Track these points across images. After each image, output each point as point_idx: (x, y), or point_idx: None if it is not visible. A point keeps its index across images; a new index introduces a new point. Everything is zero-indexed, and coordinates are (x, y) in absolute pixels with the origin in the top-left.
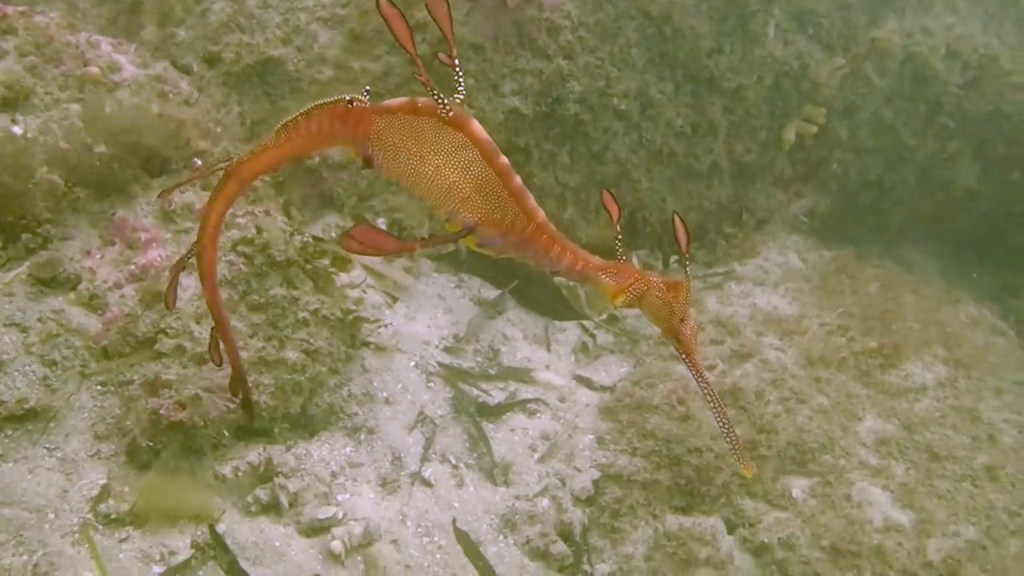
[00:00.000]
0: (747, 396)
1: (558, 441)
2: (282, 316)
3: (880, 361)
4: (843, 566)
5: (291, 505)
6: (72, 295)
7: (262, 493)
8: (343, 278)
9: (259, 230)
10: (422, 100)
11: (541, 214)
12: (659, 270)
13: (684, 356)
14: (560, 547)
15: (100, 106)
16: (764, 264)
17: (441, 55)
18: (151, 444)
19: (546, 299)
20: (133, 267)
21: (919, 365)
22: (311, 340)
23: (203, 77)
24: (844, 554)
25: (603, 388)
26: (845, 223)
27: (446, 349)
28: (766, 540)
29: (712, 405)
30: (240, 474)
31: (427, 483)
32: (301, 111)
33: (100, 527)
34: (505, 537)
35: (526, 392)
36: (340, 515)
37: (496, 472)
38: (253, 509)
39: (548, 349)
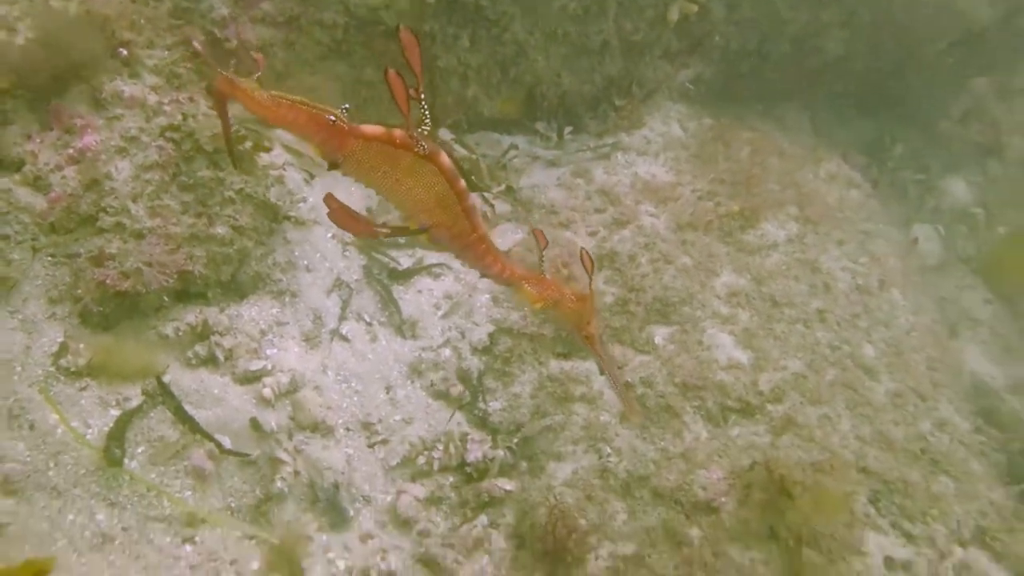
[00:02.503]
0: (622, 259)
1: (459, 300)
2: (210, 195)
3: (741, 223)
4: (690, 397)
5: (226, 359)
6: (18, 176)
7: (200, 349)
8: (264, 158)
9: (185, 116)
10: (398, 134)
11: (483, 228)
12: (553, 140)
13: (589, 348)
14: (459, 389)
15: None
16: (649, 135)
17: (411, 89)
18: (100, 309)
19: None
20: (72, 151)
21: (774, 224)
22: (237, 217)
23: None
24: (692, 388)
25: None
26: (729, 88)
27: None
28: (630, 379)
29: (612, 383)
30: (180, 333)
31: (344, 338)
32: (293, 97)
33: (62, 378)
34: (412, 382)
35: (431, 258)
36: (269, 367)
37: (404, 328)
38: (193, 363)
39: None
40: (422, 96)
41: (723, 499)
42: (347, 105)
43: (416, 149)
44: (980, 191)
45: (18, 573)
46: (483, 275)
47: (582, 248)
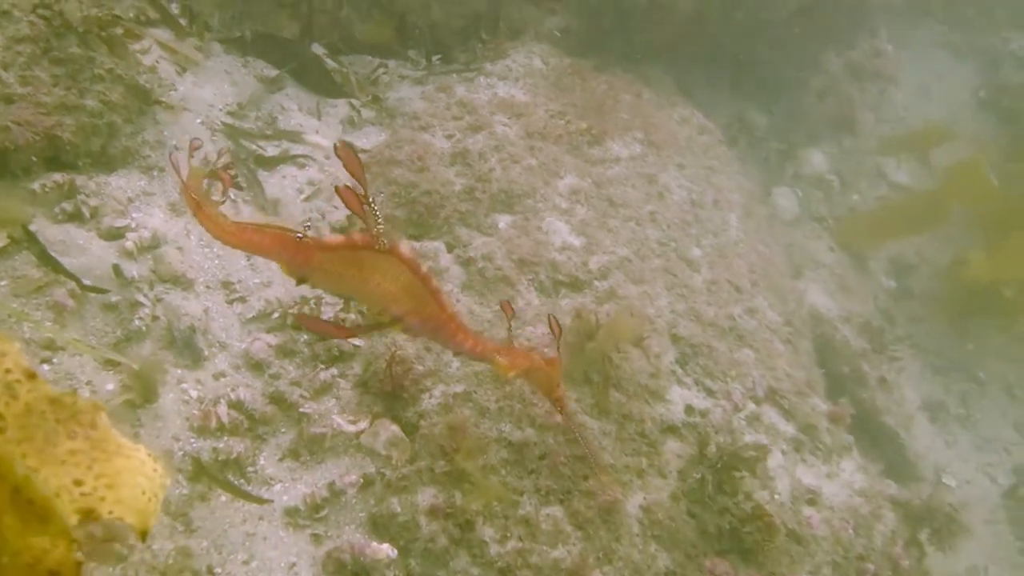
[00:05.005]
0: (473, 156)
1: (321, 186)
2: (80, 71)
3: (588, 139)
4: (526, 272)
5: (92, 216)
6: None
7: (67, 205)
8: (135, 45)
9: None
10: (357, 236)
11: (451, 307)
12: (423, 65)
13: (558, 408)
14: None
15: None
16: (511, 64)
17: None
18: None
19: (320, 81)
20: None
21: (620, 143)
22: (107, 93)
23: None
24: (528, 264)
25: (363, 150)
26: (594, 42)
27: (230, 113)
28: (473, 255)
29: (583, 445)
30: (48, 190)
31: None
32: (257, 223)
33: None
34: None
35: (297, 150)
36: (133, 225)
37: (267, 206)
38: (59, 217)
39: (319, 119)
40: (371, 200)
41: (545, 350)
42: (308, 223)
43: (376, 246)
44: (835, 161)
45: None
46: (456, 353)
47: (550, 315)
